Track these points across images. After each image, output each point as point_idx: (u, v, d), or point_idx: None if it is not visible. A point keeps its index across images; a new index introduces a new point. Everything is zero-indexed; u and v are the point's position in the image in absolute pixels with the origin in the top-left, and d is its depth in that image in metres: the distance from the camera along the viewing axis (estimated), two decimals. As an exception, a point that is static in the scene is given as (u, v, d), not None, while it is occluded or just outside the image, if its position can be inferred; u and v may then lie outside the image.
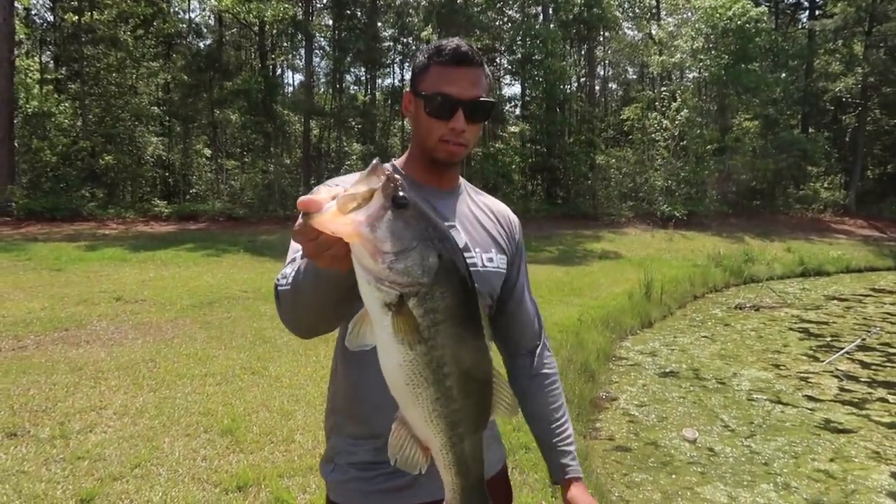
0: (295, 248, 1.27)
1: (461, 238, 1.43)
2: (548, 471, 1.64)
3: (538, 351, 1.64)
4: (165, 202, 22.05)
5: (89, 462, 3.83)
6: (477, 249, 1.46)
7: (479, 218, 1.54)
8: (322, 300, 1.09)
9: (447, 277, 0.87)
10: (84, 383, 5.25)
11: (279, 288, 1.18)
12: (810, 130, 31.78)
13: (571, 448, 1.59)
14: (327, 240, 0.85)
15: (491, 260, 1.48)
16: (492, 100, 1.44)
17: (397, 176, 0.85)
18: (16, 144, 20.33)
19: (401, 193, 0.83)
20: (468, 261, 1.40)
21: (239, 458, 4.04)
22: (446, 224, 1.37)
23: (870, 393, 6.66)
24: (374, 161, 0.86)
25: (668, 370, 7.51)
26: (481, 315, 0.94)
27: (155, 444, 4.14)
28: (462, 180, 1.60)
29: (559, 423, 1.60)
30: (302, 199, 0.84)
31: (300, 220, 0.87)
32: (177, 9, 28.36)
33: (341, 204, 0.81)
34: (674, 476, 4.61)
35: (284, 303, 1.17)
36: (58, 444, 4.06)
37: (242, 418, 4.69)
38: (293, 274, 1.14)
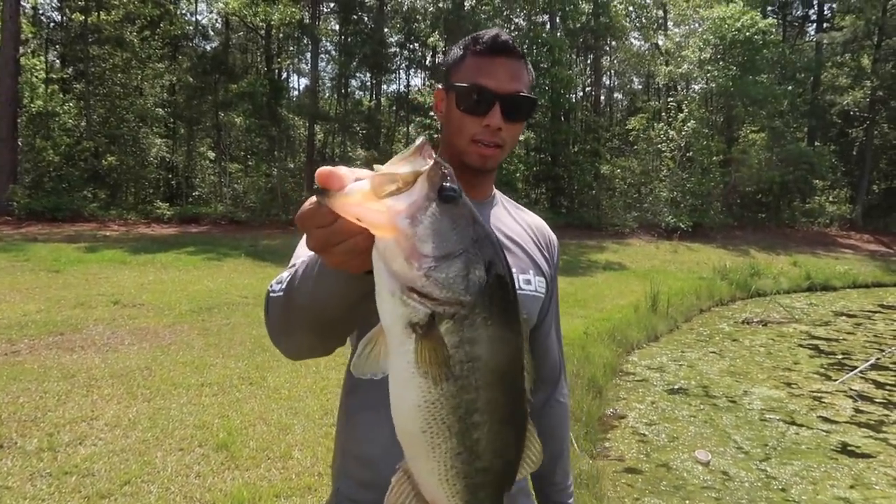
0: (299, 253, 1.08)
1: None
2: None
3: (555, 385, 1.50)
4: (168, 204, 21.91)
5: (77, 477, 3.65)
6: (513, 270, 1.26)
7: (517, 234, 1.35)
8: (320, 311, 0.88)
9: (493, 299, 0.67)
10: (76, 392, 5.08)
11: (271, 294, 0.98)
12: (817, 144, 31.62)
13: (570, 500, 1.48)
14: (345, 229, 0.66)
15: (528, 282, 1.30)
16: (534, 97, 1.26)
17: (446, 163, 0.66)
18: (19, 143, 20.22)
19: (449, 184, 0.65)
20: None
21: (234, 476, 3.86)
22: None
23: (886, 415, 6.46)
24: (422, 138, 0.67)
25: (676, 387, 7.31)
26: (526, 353, 0.73)
27: (146, 459, 3.96)
28: (496, 191, 1.42)
29: (559, 469, 1.47)
30: (323, 170, 0.64)
31: (312, 200, 0.68)
32: (184, 11, 28.32)
33: (377, 185, 0.63)
34: (687, 502, 4.41)
35: (274, 312, 0.97)
36: (45, 457, 3.88)
37: (239, 432, 4.51)
38: (289, 277, 0.95)
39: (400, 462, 0.77)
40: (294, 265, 1.02)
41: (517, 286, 1.23)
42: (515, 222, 1.38)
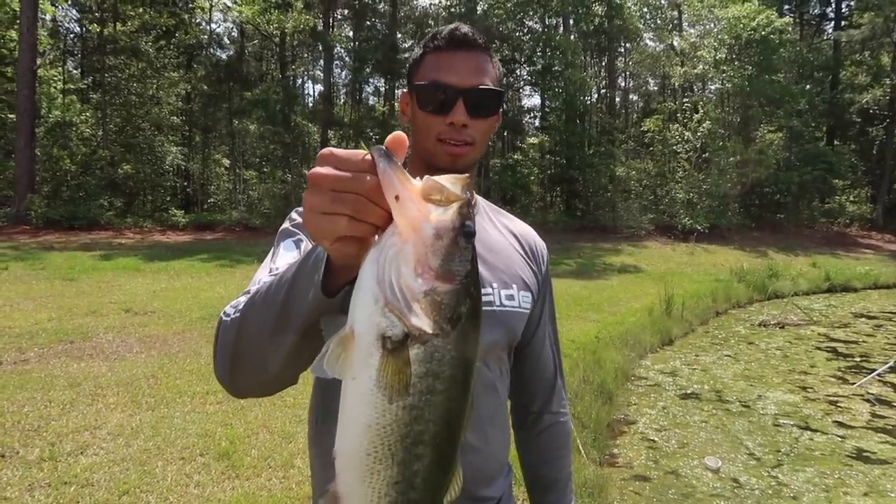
0: (258, 278, 0.99)
1: None
2: None
3: (550, 401, 1.42)
4: (183, 212, 22.10)
5: (76, 488, 3.64)
6: (494, 285, 1.20)
7: (500, 245, 1.28)
8: (279, 333, 0.80)
9: (466, 340, 0.67)
10: (81, 400, 5.09)
11: (223, 319, 0.90)
12: (836, 143, 31.19)
13: None
14: (368, 188, 0.63)
15: (511, 298, 1.22)
16: (498, 88, 1.18)
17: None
18: (37, 153, 20.48)
19: (470, 222, 0.67)
20: (483, 297, 1.15)
21: (234, 485, 3.84)
22: None
23: (904, 419, 6.31)
24: (469, 175, 0.70)
25: (689, 391, 7.20)
26: (471, 396, 0.72)
27: (147, 469, 3.94)
28: (478, 198, 1.32)
29: (550, 498, 1.39)
30: (400, 134, 0.64)
31: (364, 152, 0.65)
32: (199, 20, 28.59)
33: (427, 187, 0.64)
34: (695, 510, 4.32)
35: (225, 337, 0.88)
36: (45, 467, 3.88)
37: (241, 440, 4.49)
38: (246, 300, 0.87)
39: (329, 484, 0.72)
40: (249, 290, 0.95)
41: (499, 302, 1.19)
42: (499, 232, 1.30)
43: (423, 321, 0.63)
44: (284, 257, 1.04)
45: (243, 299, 0.91)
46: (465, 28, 1.16)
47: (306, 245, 1.05)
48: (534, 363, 1.37)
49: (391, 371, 0.63)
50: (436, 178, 0.65)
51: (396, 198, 0.62)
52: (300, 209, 1.14)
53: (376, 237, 0.66)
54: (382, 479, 0.68)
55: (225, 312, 0.92)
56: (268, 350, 0.83)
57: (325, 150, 0.66)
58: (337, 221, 0.64)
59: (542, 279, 1.34)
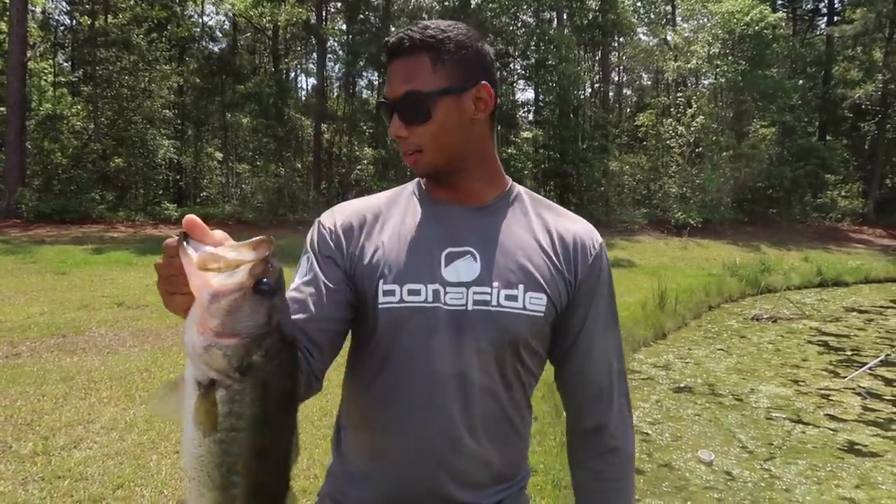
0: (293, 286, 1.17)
1: (475, 267, 1.12)
2: None
3: (605, 423, 1.24)
4: (175, 205, 21.96)
5: (70, 482, 3.62)
6: (495, 283, 1.13)
7: (519, 243, 1.18)
8: None
9: (261, 384, 0.79)
10: (74, 394, 5.07)
11: None
12: (828, 138, 31.32)
13: None
14: (177, 270, 0.79)
15: (513, 298, 1.13)
16: (424, 90, 1.09)
17: (278, 263, 0.79)
18: (28, 146, 20.31)
19: (266, 280, 0.77)
20: (478, 296, 1.12)
21: (228, 479, 3.82)
22: (460, 249, 1.12)
23: (895, 413, 6.35)
24: (267, 236, 0.80)
25: (682, 385, 7.23)
26: (295, 437, 0.87)
27: (141, 463, 3.93)
28: (517, 191, 1.27)
29: None
30: (192, 218, 0.78)
31: (172, 241, 0.79)
32: (191, 13, 28.40)
33: (202, 259, 0.76)
34: (689, 502, 4.35)
35: None
36: (39, 461, 3.86)
37: (236, 434, 4.48)
38: None
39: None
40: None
41: (496, 302, 1.13)
42: (524, 230, 1.21)
43: (213, 371, 0.76)
44: (299, 274, 1.16)
45: None
46: (401, 34, 1.12)
47: (312, 262, 1.16)
48: (576, 367, 1.24)
49: (202, 410, 0.77)
50: (227, 245, 0.78)
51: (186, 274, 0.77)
52: (321, 218, 1.22)
53: None
54: (209, 500, 0.82)
55: None
56: None
57: (167, 241, 0.81)
58: (171, 298, 0.82)
59: (577, 281, 1.22)
